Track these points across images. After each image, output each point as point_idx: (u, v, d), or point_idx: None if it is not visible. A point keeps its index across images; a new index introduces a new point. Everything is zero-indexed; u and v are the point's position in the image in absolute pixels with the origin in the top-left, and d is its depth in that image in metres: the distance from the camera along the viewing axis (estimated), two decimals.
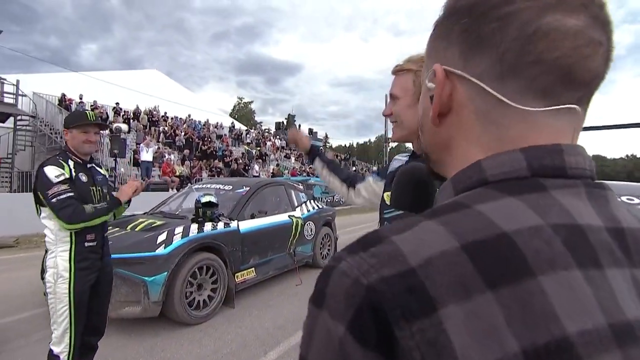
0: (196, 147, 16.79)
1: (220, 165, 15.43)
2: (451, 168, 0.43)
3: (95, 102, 16.53)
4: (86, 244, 2.19)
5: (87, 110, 2.39)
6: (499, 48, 0.36)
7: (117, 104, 17.32)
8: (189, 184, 11.44)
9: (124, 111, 17.20)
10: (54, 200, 2.03)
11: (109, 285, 2.43)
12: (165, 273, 3.39)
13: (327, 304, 0.31)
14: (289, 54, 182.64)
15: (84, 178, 2.21)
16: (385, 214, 0.68)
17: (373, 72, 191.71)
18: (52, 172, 2.08)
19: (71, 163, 2.19)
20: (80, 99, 16.26)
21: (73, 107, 15.31)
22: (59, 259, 2.13)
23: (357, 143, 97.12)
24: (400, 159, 1.25)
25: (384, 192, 1.16)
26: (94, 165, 2.37)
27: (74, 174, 2.16)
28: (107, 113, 16.27)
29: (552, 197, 0.34)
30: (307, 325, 0.34)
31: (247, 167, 16.99)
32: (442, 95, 0.40)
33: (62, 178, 2.08)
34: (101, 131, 2.35)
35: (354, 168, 29.30)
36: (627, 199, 2.72)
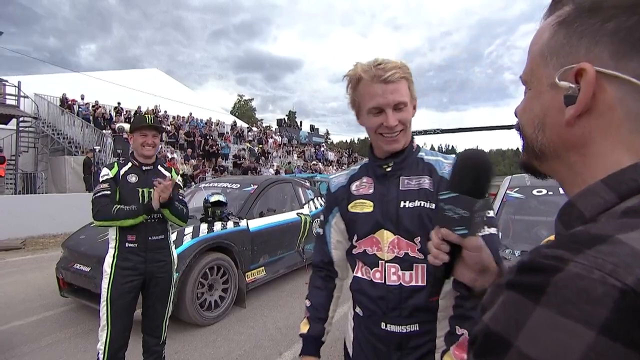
0: (198, 146, 16.72)
1: (225, 164, 15.38)
2: (579, 168, 0.43)
3: (97, 102, 16.46)
4: (127, 245, 2.28)
5: (147, 114, 2.47)
6: None
7: (119, 103, 17.25)
8: (193, 183, 11.39)
9: (126, 111, 17.13)
10: (93, 196, 2.27)
11: (163, 291, 2.41)
12: (177, 274, 3.32)
13: (555, 302, 0.29)
14: (287, 50, 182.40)
15: (132, 179, 2.33)
16: (441, 195, 0.66)
17: None
18: (102, 172, 2.34)
19: (127, 166, 2.36)
20: (82, 99, 16.19)
21: (75, 108, 15.23)
22: (107, 256, 2.30)
23: (358, 139, 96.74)
24: (340, 175, 1.26)
25: (347, 205, 1.16)
26: (160, 168, 2.47)
27: (121, 175, 2.31)
28: (110, 113, 16.21)
29: None
30: (511, 311, 0.32)
31: (255, 166, 16.93)
32: (589, 96, 0.39)
33: (105, 178, 2.30)
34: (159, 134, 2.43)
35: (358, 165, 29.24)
36: None
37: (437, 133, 37.69)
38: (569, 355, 0.27)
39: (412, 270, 1.03)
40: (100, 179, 2.31)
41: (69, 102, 15.48)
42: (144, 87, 20.90)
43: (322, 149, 28.81)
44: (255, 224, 4.54)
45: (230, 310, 3.92)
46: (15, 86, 13.50)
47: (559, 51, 0.42)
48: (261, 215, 4.74)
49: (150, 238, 2.32)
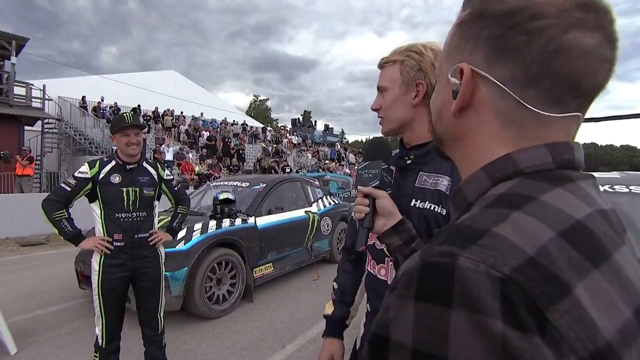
0: (214, 146, 17.01)
1: (239, 163, 15.63)
2: (466, 154, 0.49)
3: (115, 103, 17.00)
4: (114, 244, 2.32)
5: (126, 113, 2.46)
6: (525, 60, 0.40)
7: (139, 106, 17.74)
8: (207, 182, 11.66)
9: (144, 112, 17.62)
10: (58, 184, 2.25)
11: (152, 285, 2.48)
12: (186, 268, 3.48)
13: (463, 301, 0.30)
14: (303, 50, 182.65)
15: (116, 179, 2.33)
16: (359, 166, 0.91)
17: None
18: (81, 168, 2.33)
19: (110, 165, 2.35)
20: (102, 100, 16.75)
21: (89, 108, 15.75)
22: (94, 253, 2.33)
23: (374, 137, 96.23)
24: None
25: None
26: (146, 165, 2.48)
27: (102, 175, 2.31)
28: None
29: (581, 187, 0.40)
30: (430, 324, 0.31)
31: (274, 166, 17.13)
32: (466, 93, 0.45)
33: (79, 175, 2.30)
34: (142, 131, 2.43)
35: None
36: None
37: None
38: (482, 350, 0.29)
39: None
40: (75, 174, 2.31)
41: (95, 105, 16.07)
42: (162, 88, 21.40)
43: (337, 148, 28.86)
44: (263, 221, 4.67)
45: (238, 304, 4.07)
46: (40, 89, 14.08)
47: (454, 51, 0.48)
48: (269, 213, 4.87)
49: (136, 236, 2.36)
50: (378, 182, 0.86)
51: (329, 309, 1.24)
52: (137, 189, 2.37)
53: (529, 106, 0.41)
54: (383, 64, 1.05)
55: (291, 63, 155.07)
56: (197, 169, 12.77)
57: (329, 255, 6.04)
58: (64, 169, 13.91)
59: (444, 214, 0.93)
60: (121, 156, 2.37)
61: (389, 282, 1.03)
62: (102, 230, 2.32)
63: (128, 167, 2.37)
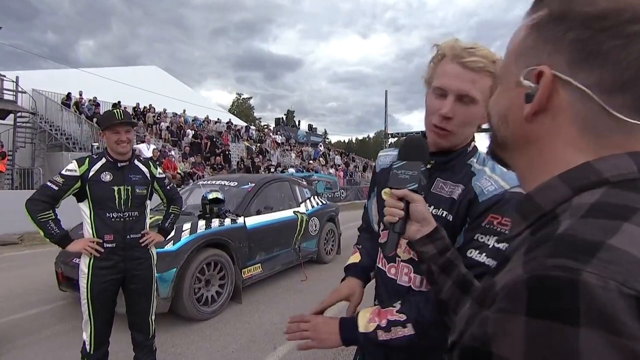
0: (205, 148, 16.66)
1: (223, 162, 15.40)
2: (535, 160, 0.47)
3: (95, 98, 16.45)
4: (105, 245, 2.22)
5: (117, 109, 2.34)
6: (619, 65, 0.38)
7: (119, 102, 17.24)
8: (191, 181, 11.43)
9: (124, 107, 17.13)
10: (45, 183, 2.16)
11: (144, 287, 2.41)
12: (174, 269, 3.39)
13: (594, 320, 0.28)
14: (288, 49, 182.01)
15: (107, 177, 2.24)
16: (394, 164, 0.84)
17: (372, 68, 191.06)
18: (69, 166, 2.23)
19: (100, 163, 2.25)
20: (81, 95, 16.18)
21: (71, 104, 15.18)
22: (82, 255, 2.22)
23: (356, 139, 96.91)
24: (388, 154, 1.22)
25: (381, 190, 1.14)
26: (137, 163, 2.40)
27: (92, 173, 2.21)
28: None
29: None
30: (550, 342, 0.30)
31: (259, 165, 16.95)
32: (544, 97, 0.43)
33: (67, 173, 2.20)
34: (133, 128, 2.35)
35: (353, 163, 29.27)
36: None
37: None
38: None
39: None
40: (62, 171, 2.20)
41: (77, 100, 15.46)
42: (143, 84, 20.87)
43: (320, 148, 28.90)
44: (252, 221, 4.61)
45: (226, 305, 3.99)
46: (13, 81, 13.49)
47: (527, 52, 0.46)
48: (258, 213, 4.81)
49: (128, 236, 2.27)
50: (416, 185, 0.80)
51: (355, 259, 1.22)
52: (129, 187, 2.28)
53: (615, 113, 0.39)
54: (476, 68, 0.87)
55: (275, 62, 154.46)
56: (179, 167, 12.51)
57: (317, 256, 6.03)
58: (37, 165, 13.37)
59: (450, 219, 0.94)
60: (111, 154, 2.27)
61: (398, 282, 1.03)
62: (91, 231, 2.22)
63: (119, 164, 2.28)
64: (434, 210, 0.94)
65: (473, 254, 0.86)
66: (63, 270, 3.77)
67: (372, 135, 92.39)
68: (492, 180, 0.93)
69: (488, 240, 0.86)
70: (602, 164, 0.40)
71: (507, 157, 0.52)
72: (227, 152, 16.78)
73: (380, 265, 1.13)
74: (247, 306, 4.14)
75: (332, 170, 21.35)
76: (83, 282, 2.22)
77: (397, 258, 1.04)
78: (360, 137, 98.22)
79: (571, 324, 0.29)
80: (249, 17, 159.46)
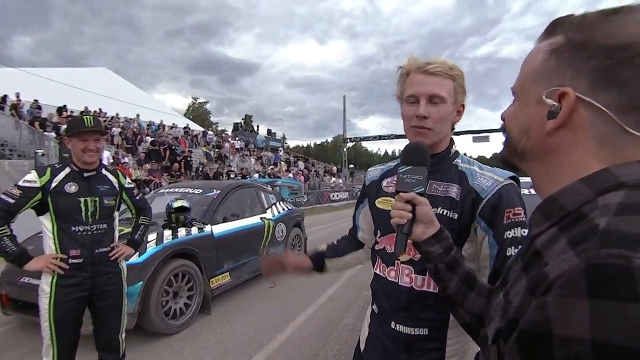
0: (159, 152, 15.92)
1: (181, 168, 14.83)
2: (555, 168, 0.54)
3: (36, 101, 15.26)
4: (70, 261, 2.06)
5: (86, 115, 2.16)
6: (635, 89, 0.45)
7: (64, 106, 16.10)
8: (147, 189, 10.92)
9: (71, 111, 16.02)
10: None
11: (114, 303, 2.26)
12: (141, 283, 3.23)
13: None
14: (245, 53, 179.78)
15: (72, 189, 2.08)
16: (400, 169, 0.87)
17: (329, 73, 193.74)
18: (27, 177, 2.05)
19: (63, 173, 2.09)
20: (18, 97, 14.91)
21: (5, 107, 13.90)
22: (44, 273, 2.05)
23: (315, 143, 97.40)
24: (377, 168, 1.32)
25: (374, 201, 1.23)
26: (105, 173, 2.26)
27: (55, 184, 2.05)
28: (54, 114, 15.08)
29: None
30: (615, 319, 0.34)
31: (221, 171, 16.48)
32: (566, 115, 0.49)
33: (25, 184, 2.03)
34: (102, 137, 2.18)
35: (313, 168, 29.43)
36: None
37: (392, 138, 39.10)
38: None
39: (425, 275, 1.05)
40: (19, 183, 2.03)
41: (14, 102, 14.18)
42: (92, 86, 19.67)
43: (280, 153, 28.79)
44: (220, 229, 4.51)
45: (195, 317, 3.86)
46: None
47: (549, 75, 0.52)
48: (225, 220, 4.72)
49: (96, 250, 2.13)
50: (422, 188, 0.85)
51: (322, 247, 1.37)
52: (97, 198, 2.14)
53: (631, 130, 0.46)
54: (436, 72, 1.03)
55: (232, 65, 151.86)
56: (134, 174, 11.91)
57: None
58: None
59: (455, 218, 1.03)
60: (77, 163, 2.12)
61: (399, 283, 1.09)
62: (54, 247, 2.05)
63: (86, 174, 2.14)
64: (434, 210, 0.99)
65: (511, 251, 0.95)
66: (8, 291, 3.42)
67: (330, 139, 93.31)
68: (487, 176, 1.05)
69: (515, 232, 0.97)
70: (620, 170, 0.47)
71: (524, 166, 0.59)
72: (188, 159, 16.22)
73: (377, 272, 1.17)
74: (217, 317, 4.03)
75: (290, 175, 21.34)
76: (45, 303, 2.04)
77: (396, 261, 1.10)
78: (318, 142, 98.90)
79: (630, 301, 0.34)
80: (204, 19, 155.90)
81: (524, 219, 0.99)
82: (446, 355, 1.05)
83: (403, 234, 0.83)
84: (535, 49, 0.55)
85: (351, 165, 41.85)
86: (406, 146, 0.93)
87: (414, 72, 1.06)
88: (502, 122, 0.63)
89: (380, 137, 41.49)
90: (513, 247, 0.96)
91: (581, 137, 0.50)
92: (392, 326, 1.09)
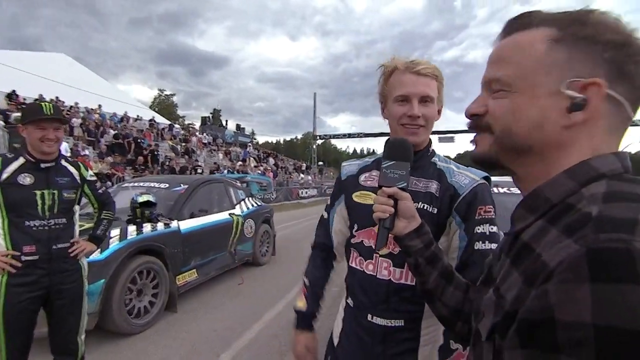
0: (123, 146, 15.19)
1: (152, 164, 14.27)
2: (555, 163, 0.52)
3: None
4: (23, 258, 1.92)
5: (44, 102, 2.00)
6: (635, 82, 0.48)
7: (14, 91, 15.04)
8: (110, 184, 10.44)
9: (23, 98, 14.99)
10: None
11: (72, 302, 2.12)
12: (102, 281, 3.09)
13: None
14: (215, 46, 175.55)
15: (26, 180, 1.94)
16: (383, 164, 0.87)
17: (301, 70, 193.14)
18: None
19: (16, 163, 1.94)
20: None
21: None
22: None
23: (284, 140, 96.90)
24: (352, 163, 1.31)
25: (351, 195, 1.22)
26: (65, 164, 2.12)
27: (6, 175, 1.91)
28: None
29: None
30: (617, 301, 0.34)
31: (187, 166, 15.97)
32: (597, 106, 0.48)
33: None
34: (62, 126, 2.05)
35: (282, 164, 29.27)
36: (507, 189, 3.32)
37: (361, 136, 39.58)
38: None
39: (403, 268, 1.07)
40: None
41: None
42: (48, 73, 18.46)
43: (249, 149, 28.41)
44: (187, 225, 4.39)
45: (161, 315, 3.74)
46: None
47: (562, 66, 0.50)
48: (192, 216, 4.60)
49: (54, 247, 2.00)
50: (406, 184, 0.84)
51: (301, 304, 1.26)
52: (55, 191, 2.01)
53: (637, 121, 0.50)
54: (427, 73, 1.05)
55: (201, 58, 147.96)
56: (95, 167, 11.35)
57: (253, 258, 5.95)
58: None
59: (435, 212, 1.07)
60: (33, 153, 1.98)
61: (377, 276, 1.09)
62: (5, 243, 1.91)
63: (43, 165, 2.00)
64: (415, 205, 1.01)
65: (479, 245, 1.01)
66: None
67: (300, 136, 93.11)
68: (464, 175, 1.10)
69: (484, 228, 1.02)
70: (597, 162, 0.49)
71: (516, 163, 0.56)
72: (155, 153, 15.62)
73: (354, 265, 1.18)
74: (184, 314, 3.93)
75: (258, 171, 21.13)
76: None
77: (374, 254, 1.11)
78: (288, 138, 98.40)
79: (630, 283, 0.34)
80: (173, 8, 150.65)
81: (493, 216, 1.04)
82: (420, 345, 1.08)
83: (385, 228, 0.84)
84: (527, 39, 0.53)
85: (320, 163, 42.00)
86: (390, 141, 0.93)
87: (402, 71, 1.07)
88: (470, 119, 0.60)
89: (350, 135, 41.92)
90: (480, 242, 1.01)
91: (595, 129, 0.50)
92: (369, 319, 1.11)
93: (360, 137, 39.69)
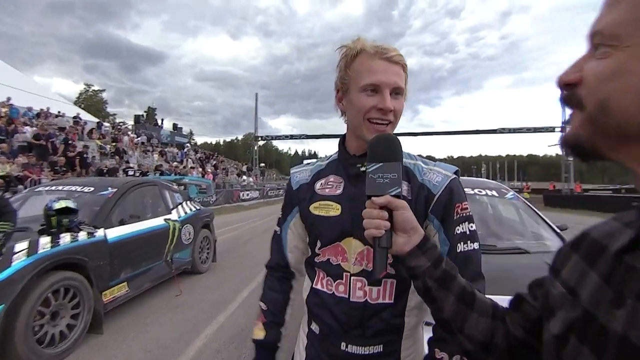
0: (54, 152, 13.37)
1: (81, 167, 12.76)
2: None
3: None
4: None
5: None
6: None
7: None
8: (21, 187, 9.17)
9: None
10: None
11: None
12: (2, 306, 2.57)
13: None
14: (150, 40, 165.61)
15: None
16: (368, 168, 0.73)
17: (241, 69, 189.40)
18: None
19: None
20: None
21: None
22: None
23: (224, 141, 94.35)
24: (303, 169, 1.13)
25: (308, 206, 1.04)
26: None
27: None
28: None
29: None
30: None
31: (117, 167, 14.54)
32: None
33: None
34: None
35: (222, 168, 28.37)
36: (478, 190, 3.30)
37: (303, 138, 39.67)
38: None
39: (380, 285, 0.92)
40: None
41: None
42: None
43: (187, 150, 27.06)
44: (115, 233, 3.91)
45: (83, 340, 3.24)
46: None
47: None
48: (122, 223, 4.12)
49: None
50: (399, 189, 0.70)
51: (260, 333, 1.09)
52: None
53: None
54: (398, 61, 0.90)
55: (134, 52, 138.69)
56: (2, 169, 9.92)
57: (191, 266, 5.59)
58: None
59: None
60: None
61: (351, 299, 0.93)
62: None
63: None
64: None
65: (462, 246, 0.89)
66: None
67: (240, 137, 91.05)
68: (435, 171, 0.96)
69: (463, 227, 0.90)
70: None
71: (622, 152, 0.40)
72: (84, 155, 14.06)
73: (319, 287, 1.00)
74: (111, 335, 3.46)
75: (194, 173, 20.23)
76: None
77: (344, 273, 0.94)
78: (228, 139, 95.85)
79: None
80: None
81: (470, 213, 0.93)
82: None
83: (382, 248, 0.68)
84: None
85: (262, 164, 41.37)
86: (373, 139, 0.78)
87: (371, 55, 0.90)
88: (563, 90, 0.44)
89: (292, 137, 41.83)
90: (462, 243, 0.89)
91: None
92: (342, 347, 0.94)
93: (302, 138, 39.76)
